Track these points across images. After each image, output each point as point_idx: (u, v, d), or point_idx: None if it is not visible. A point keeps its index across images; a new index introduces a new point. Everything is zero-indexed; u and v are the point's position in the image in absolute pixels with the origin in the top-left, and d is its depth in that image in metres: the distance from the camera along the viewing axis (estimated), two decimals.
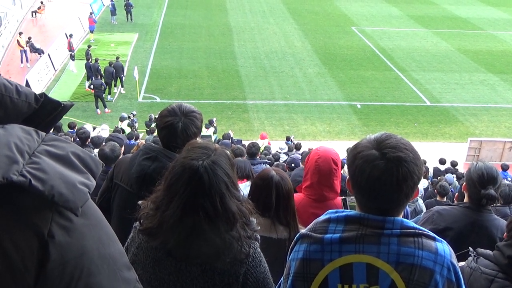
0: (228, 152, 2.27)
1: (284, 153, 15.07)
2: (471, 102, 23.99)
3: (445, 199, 8.58)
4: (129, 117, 17.95)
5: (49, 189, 0.95)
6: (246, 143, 16.89)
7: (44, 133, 1.09)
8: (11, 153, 0.94)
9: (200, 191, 2.09)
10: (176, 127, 3.17)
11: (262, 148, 15.31)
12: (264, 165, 8.04)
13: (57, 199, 0.97)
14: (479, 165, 3.67)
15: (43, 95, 1.16)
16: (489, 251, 2.79)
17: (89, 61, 22.82)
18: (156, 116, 17.35)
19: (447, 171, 14.63)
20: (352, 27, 35.93)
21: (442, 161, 15.21)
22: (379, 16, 39.37)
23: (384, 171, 1.82)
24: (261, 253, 2.32)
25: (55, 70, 25.26)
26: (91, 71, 21.98)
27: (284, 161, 11.96)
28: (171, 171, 2.19)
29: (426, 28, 36.51)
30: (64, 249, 1.00)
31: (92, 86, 21.05)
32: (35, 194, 0.95)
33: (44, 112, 1.14)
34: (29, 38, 26.30)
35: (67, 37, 26.63)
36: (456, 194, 3.40)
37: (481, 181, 3.54)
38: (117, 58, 23.64)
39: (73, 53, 25.38)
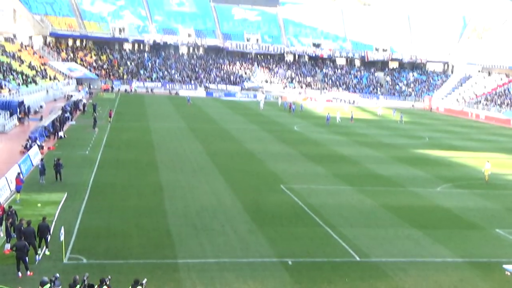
0: None
1: None
2: (399, 257, 24.50)
3: None
4: (51, 280, 17.06)
5: None
6: None
7: None
8: None
9: None
10: None
11: None
12: None
13: None
14: None
15: None
16: None
17: (12, 221, 21.98)
18: (84, 278, 16.34)
19: None
20: (281, 184, 37.08)
21: None
22: (306, 174, 41.11)
23: None
24: None
25: None
26: (14, 232, 21.07)
27: None
28: None
29: (351, 186, 38.20)
30: None
31: (14, 248, 20.07)
32: None
33: None
34: None
35: None
36: None
37: None
38: (44, 218, 22.91)
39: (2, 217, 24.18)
